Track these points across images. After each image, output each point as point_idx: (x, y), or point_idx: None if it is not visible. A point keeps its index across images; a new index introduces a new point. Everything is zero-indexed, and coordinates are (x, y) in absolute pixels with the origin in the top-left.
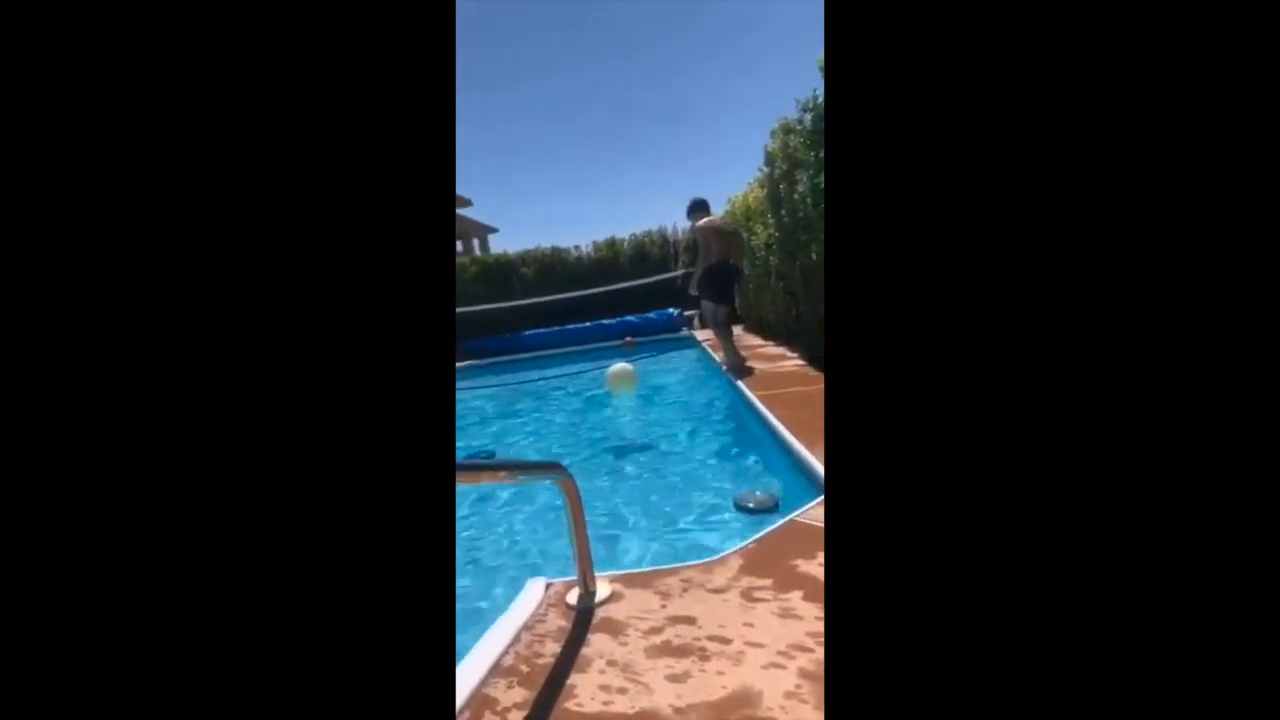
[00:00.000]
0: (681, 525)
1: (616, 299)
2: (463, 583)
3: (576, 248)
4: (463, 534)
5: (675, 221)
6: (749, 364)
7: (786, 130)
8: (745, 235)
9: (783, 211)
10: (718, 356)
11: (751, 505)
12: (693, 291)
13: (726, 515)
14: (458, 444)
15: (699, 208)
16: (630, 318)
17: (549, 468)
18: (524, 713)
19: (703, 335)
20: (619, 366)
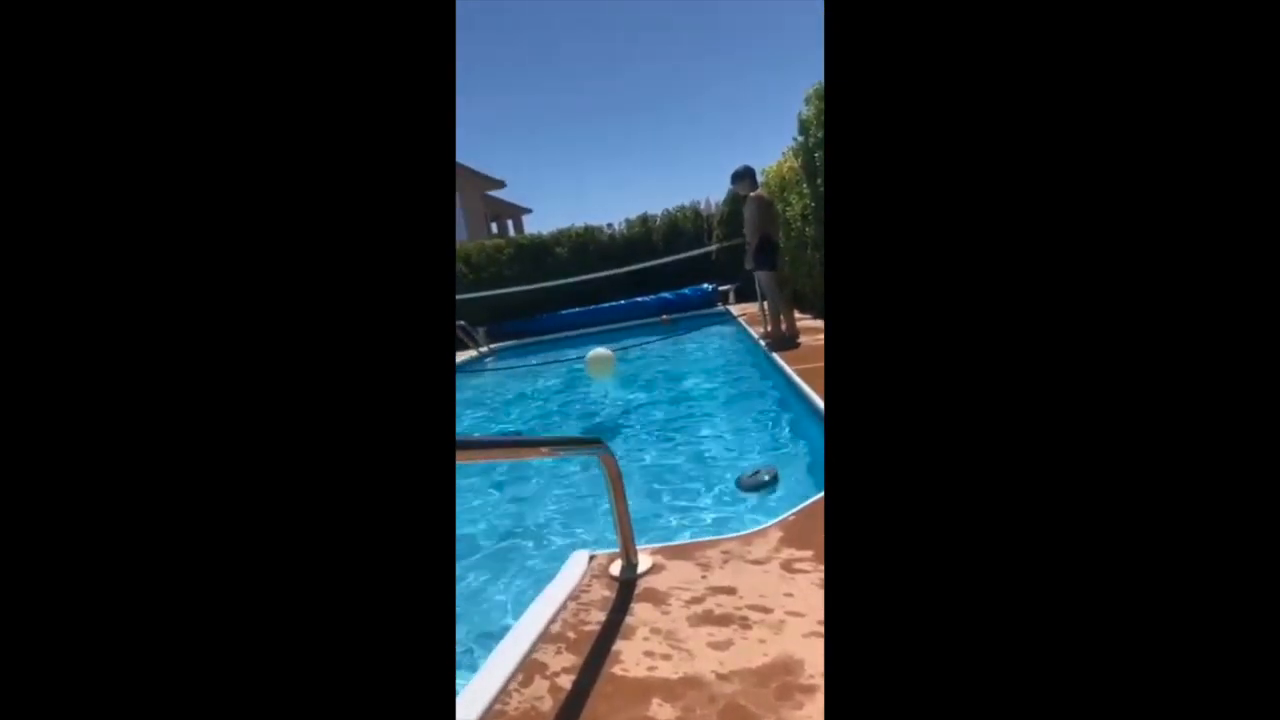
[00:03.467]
0: (717, 499)
1: (650, 276)
2: (506, 552)
3: (609, 225)
4: (501, 508)
5: (709, 195)
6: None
7: (821, 96)
8: (780, 207)
9: (819, 181)
10: (754, 331)
11: (751, 485)
12: (749, 266)
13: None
14: (493, 425)
15: (745, 176)
16: (665, 294)
17: (590, 443)
18: (572, 677)
19: (738, 310)
20: (597, 352)
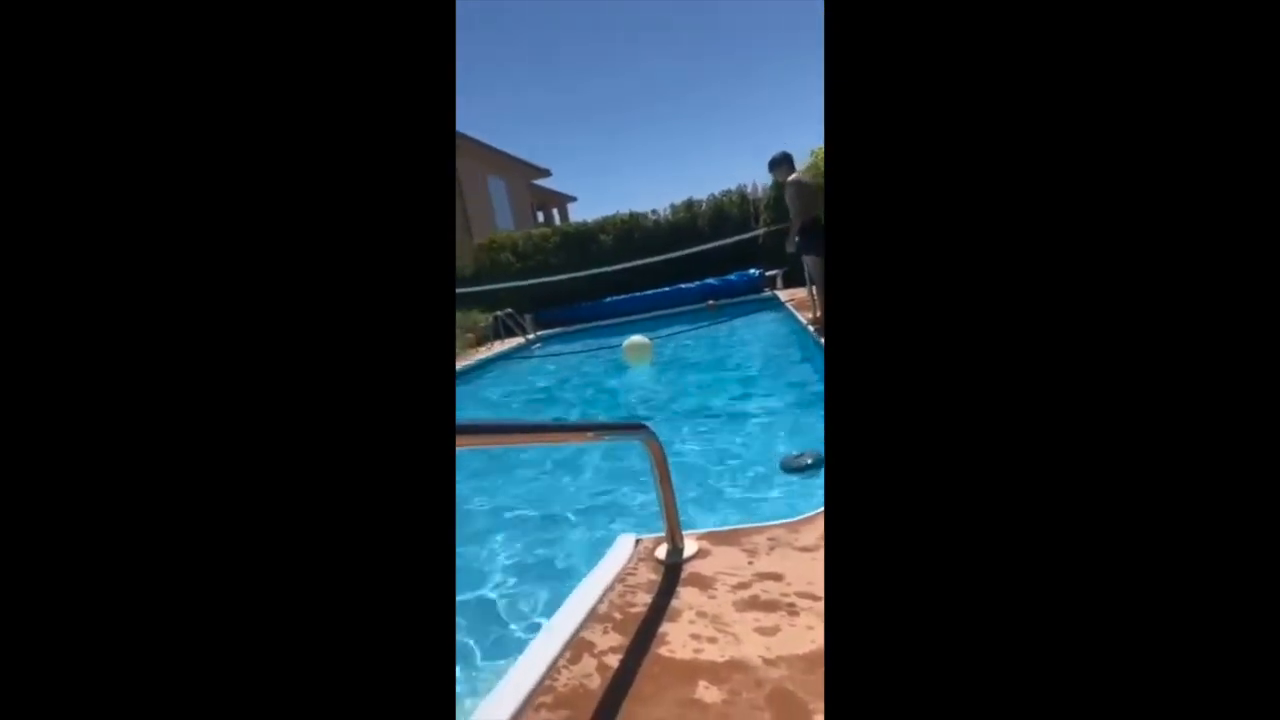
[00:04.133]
0: (760, 486)
1: (695, 262)
2: (552, 537)
3: (654, 212)
4: (544, 492)
5: (755, 179)
6: None
7: None
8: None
9: None
10: (803, 317)
11: (794, 467)
12: (790, 249)
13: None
14: (540, 410)
15: (781, 162)
16: (710, 280)
17: (634, 428)
18: (619, 656)
19: (785, 295)
20: (634, 339)
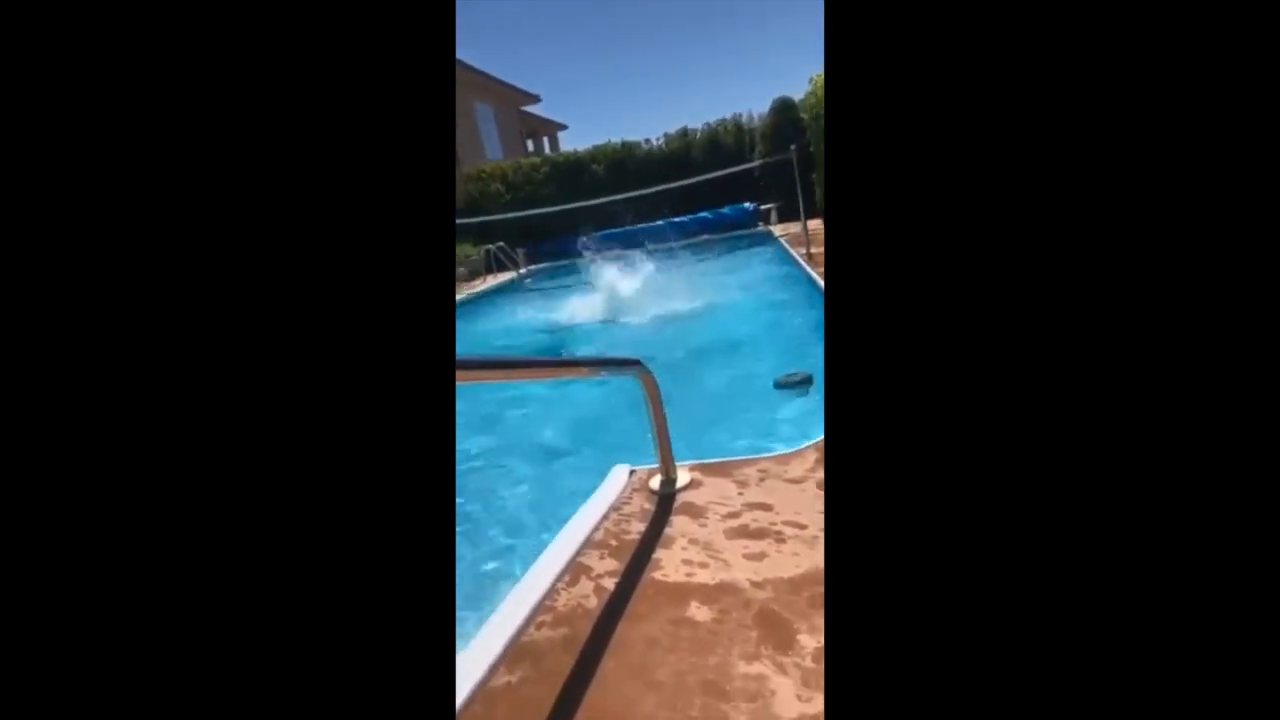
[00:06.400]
0: (756, 398)
1: (690, 195)
2: (550, 469)
3: (647, 141)
4: (542, 426)
5: (751, 108)
6: None
7: None
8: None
9: None
10: (797, 252)
11: (787, 384)
12: None
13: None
14: (539, 349)
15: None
16: (704, 213)
17: (629, 363)
18: (615, 579)
19: (780, 230)
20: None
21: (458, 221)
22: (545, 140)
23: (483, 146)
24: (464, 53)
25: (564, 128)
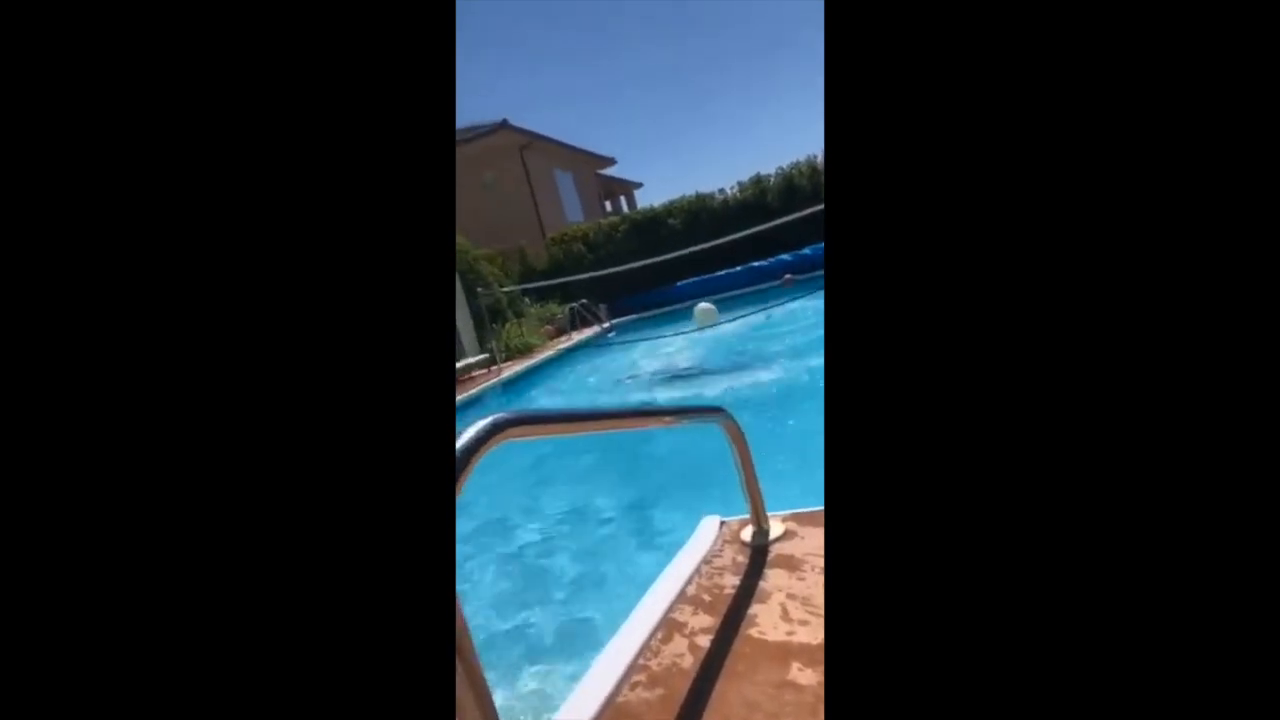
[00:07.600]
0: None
1: (766, 240)
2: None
3: (721, 191)
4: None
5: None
6: None
7: None
8: None
9: None
10: None
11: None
12: None
13: None
14: (621, 397)
15: None
16: (784, 255)
17: (712, 412)
18: (710, 637)
19: None
20: (701, 306)
21: (542, 285)
22: (622, 199)
23: (564, 210)
24: (542, 126)
25: (639, 185)
